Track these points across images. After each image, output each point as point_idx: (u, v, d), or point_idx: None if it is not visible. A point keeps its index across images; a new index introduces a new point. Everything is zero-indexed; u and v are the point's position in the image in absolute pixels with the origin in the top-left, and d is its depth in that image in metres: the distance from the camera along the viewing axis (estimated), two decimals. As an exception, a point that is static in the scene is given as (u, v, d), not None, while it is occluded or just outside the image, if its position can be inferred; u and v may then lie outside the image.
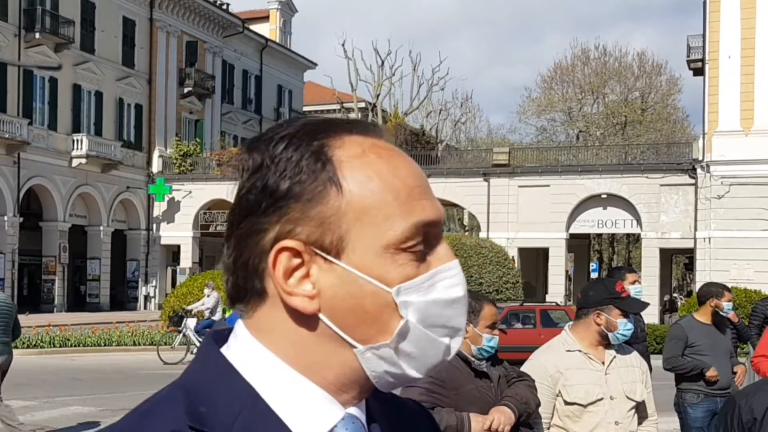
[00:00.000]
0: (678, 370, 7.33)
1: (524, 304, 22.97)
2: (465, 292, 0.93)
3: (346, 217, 0.88)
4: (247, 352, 0.93)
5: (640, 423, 4.27)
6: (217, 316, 20.82)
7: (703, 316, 7.37)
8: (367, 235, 0.88)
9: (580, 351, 4.16)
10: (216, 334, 0.98)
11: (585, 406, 4.12)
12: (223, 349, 0.94)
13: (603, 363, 4.16)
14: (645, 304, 4.46)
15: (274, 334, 0.92)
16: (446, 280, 0.91)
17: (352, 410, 0.93)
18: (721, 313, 7.39)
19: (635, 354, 4.31)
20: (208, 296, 21.18)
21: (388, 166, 0.90)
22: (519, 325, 20.74)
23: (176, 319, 21.43)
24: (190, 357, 19.91)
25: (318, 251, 0.89)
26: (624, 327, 4.07)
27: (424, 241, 0.90)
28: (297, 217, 0.88)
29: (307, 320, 0.90)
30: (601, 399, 4.10)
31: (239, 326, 0.95)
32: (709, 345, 7.26)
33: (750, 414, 3.35)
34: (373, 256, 0.88)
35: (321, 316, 0.89)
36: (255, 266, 0.91)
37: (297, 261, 0.89)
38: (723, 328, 7.49)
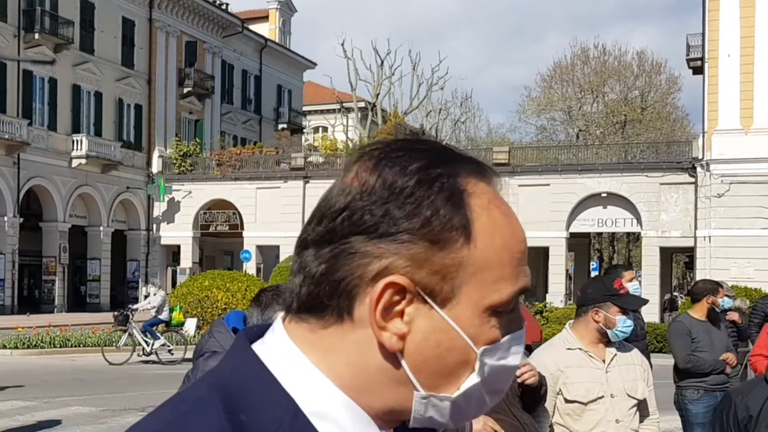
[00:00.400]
0: (698, 369, 7.33)
1: None
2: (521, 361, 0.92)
3: (465, 271, 0.85)
4: (290, 362, 0.89)
5: (641, 421, 4.26)
6: (163, 315, 20.76)
7: (698, 312, 7.40)
8: (476, 292, 0.85)
9: (580, 349, 4.16)
10: (248, 332, 0.94)
11: (585, 404, 4.12)
12: (261, 354, 0.90)
13: (604, 361, 4.16)
14: (643, 301, 4.47)
15: (334, 355, 0.88)
16: (516, 346, 0.89)
17: None
18: (716, 309, 7.43)
19: (636, 352, 4.31)
20: (155, 295, 21.15)
21: (509, 227, 0.88)
22: None
23: (121, 319, 20.67)
24: (135, 357, 19.89)
25: (426, 296, 0.85)
26: (623, 324, 4.05)
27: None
28: (418, 258, 0.84)
29: (383, 355, 0.87)
30: (602, 397, 4.10)
31: (282, 334, 0.91)
32: (708, 342, 7.29)
33: (746, 411, 3.35)
34: (473, 314, 0.86)
35: (399, 355, 0.86)
36: (349, 288, 0.86)
37: (398, 297, 0.85)
38: (718, 324, 7.54)
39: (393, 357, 0.87)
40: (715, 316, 7.47)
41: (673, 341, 7.51)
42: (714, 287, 7.47)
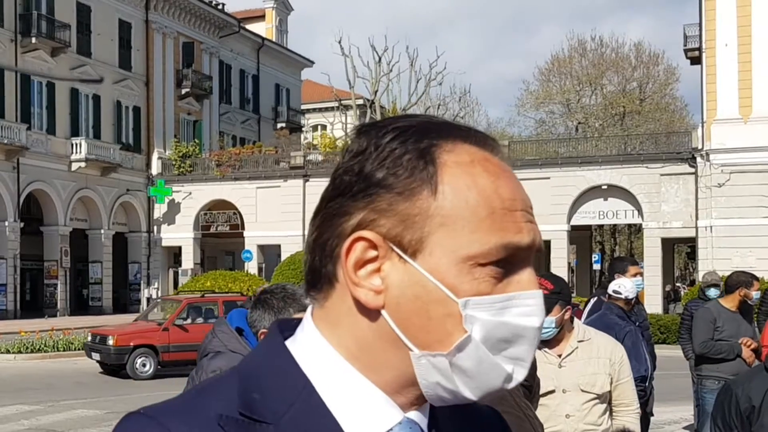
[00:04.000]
0: (713, 354, 7.37)
1: (205, 295, 20.66)
2: (540, 325, 0.89)
3: (432, 220, 0.86)
4: (309, 344, 0.91)
5: (618, 414, 4.23)
6: None
7: (729, 303, 7.47)
8: (448, 242, 0.86)
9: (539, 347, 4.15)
10: (283, 323, 0.97)
11: (549, 393, 4.12)
12: (289, 341, 0.93)
13: (560, 356, 4.14)
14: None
15: (339, 327, 0.90)
16: (523, 307, 0.87)
17: (412, 414, 0.91)
18: (749, 302, 7.47)
19: (608, 343, 4.24)
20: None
21: (492, 182, 0.88)
22: (201, 320, 18.70)
23: None
24: None
25: (395, 247, 0.87)
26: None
27: (510, 263, 0.88)
28: (383, 209, 0.87)
29: (371, 315, 0.88)
30: (552, 392, 4.07)
31: (307, 316, 0.94)
32: (733, 332, 7.37)
33: (748, 402, 3.34)
34: (450, 264, 0.85)
35: (383, 312, 0.87)
36: (332, 249, 0.89)
37: (372, 253, 0.87)
38: (748, 317, 7.59)
39: (379, 316, 0.88)
40: (746, 309, 7.51)
41: (695, 326, 7.59)
42: (749, 280, 7.51)
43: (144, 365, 17.95)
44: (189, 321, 18.70)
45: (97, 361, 18.39)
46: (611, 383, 4.16)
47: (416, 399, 0.90)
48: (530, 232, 0.89)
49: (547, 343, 4.16)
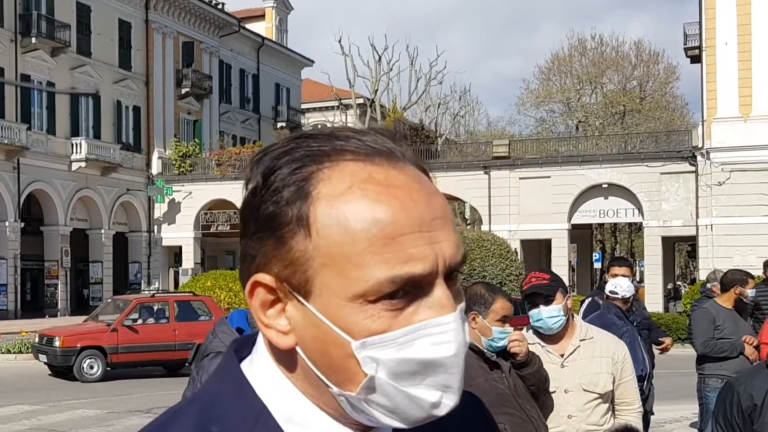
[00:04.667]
0: (715, 353, 7.39)
1: (156, 295, 20.26)
2: (458, 352, 0.83)
3: (313, 261, 0.82)
4: (262, 367, 0.90)
5: (620, 413, 4.19)
6: None
7: (726, 301, 7.51)
8: (334, 282, 0.81)
9: (539, 344, 4.11)
10: (240, 342, 0.96)
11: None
12: (245, 363, 0.92)
13: (562, 356, 4.12)
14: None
15: (280, 357, 0.89)
16: (432, 336, 0.81)
17: None
18: (744, 300, 7.48)
19: (610, 342, 4.20)
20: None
21: (369, 207, 0.81)
22: (152, 321, 18.46)
23: None
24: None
25: (289, 289, 0.84)
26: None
27: (409, 292, 0.82)
28: (271, 252, 0.84)
29: (290, 353, 0.87)
30: (554, 392, 4.03)
31: (260, 338, 0.92)
32: (733, 329, 7.39)
33: (750, 400, 3.33)
34: (340, 305, 0.81)
35: (299, 350, 0.86)
36: (248, 290, 0.88)
37: (272, 296, 0.86)
38: (745, 315, 7.61)
39: (296, 355, 0.86)
40: (742, 307, 7.53)
41: (695, 327, 7.62)
42: (743, 278, 7.54)
43: (91, 367, 17.39)
44: (140, 321, 18.21)
45: (45, 363, 17.92)
46: (614, 382, 4.12)
47: (367, 427, 0.89)
48: (424, 257, 0.81)
49: (550, 341, 4.14)
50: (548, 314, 4.07)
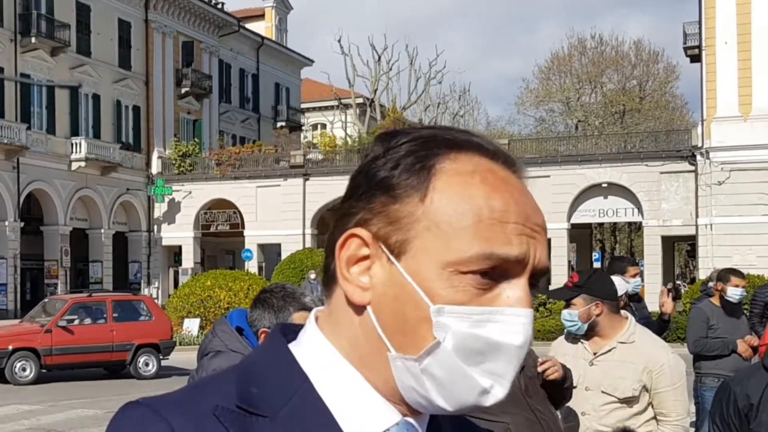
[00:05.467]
0: (706, 352, 7.39)
1: (93, 294, 19.64)
2: (523, 344, 0.87)
3: (418, 224, 0.87)
4: (310, 344, 0.94)
5: (659, 423, 4.11)
6: None
7: (717, 300, 7.51)
8: (432, 246, 0.86)
9: (581, 341, 4.17)
10: (286, 327, 0.99)
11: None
12: (292, 344, 0.95)
13: (594, 354, 4.13)
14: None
15: (338, 325, 0.92)
16: (506, 324, 0.86)
17: (411, 420, 0.91)
18: (725, 297, 7.48)
19: (651, 350, 4.07)
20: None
21: (486, 193, 0.88)
22: (89, 321, 17.95)
23: None
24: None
25: (383, 247, 0.88)
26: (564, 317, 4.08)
27: (498, 276, 0.87)
28: (377, 209, 0.89)
29: (359, 312, 0.90)
30: (576, 388, 4.07)
31: (311, 319, 0.96)
32: (728, 329, 7.40)
33: (746, 400, 3.33)
34: (431, 269, 0.86)
35: (369, 310, 0.89)
36: (335, 247, 0.92)
37: (365, 251, 0.89)
38: (735, 313, 7.59)
39: (364, 313, 0.90)
40: (729, 305, 7.52)
41: (688, 326, 7.66)
42: (725, 275, 7.54)
43: (24, 369, 16.90)
44: (76, 322, 17.74)
45: None
46: (644, 391, 4.05)
47: (411, 407, 0.91)
48: (522, 245, 0.87)
49: (589, 337, 4.15)
50: (565, 318, 4.15)
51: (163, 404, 0.89)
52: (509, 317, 0.86)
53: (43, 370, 17.22)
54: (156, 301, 44.01)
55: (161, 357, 18.20)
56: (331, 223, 0.95)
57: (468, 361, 0.86)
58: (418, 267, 0.86)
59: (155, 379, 17.53)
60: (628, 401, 4.06)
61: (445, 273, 0.86)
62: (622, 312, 4.33)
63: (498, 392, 0.87)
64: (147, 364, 17.99)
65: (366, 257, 0.89)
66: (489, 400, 0.87)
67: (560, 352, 4.23)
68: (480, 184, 0.88)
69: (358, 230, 0.89)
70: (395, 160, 0.90)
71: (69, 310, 17.79)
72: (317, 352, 0.92)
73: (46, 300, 21.41)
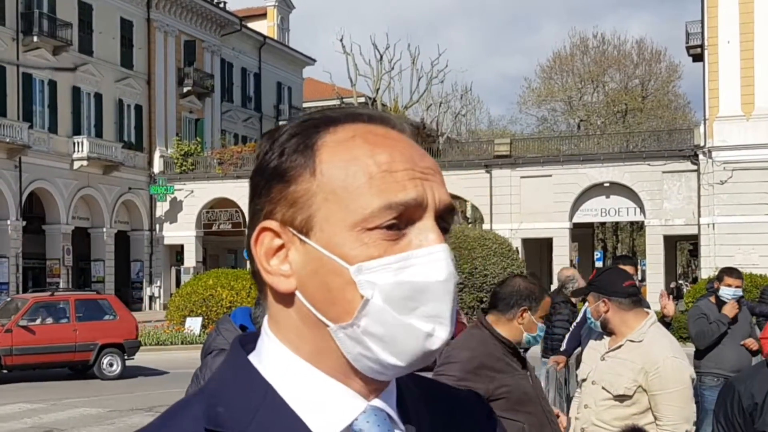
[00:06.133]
0: (710, 338, 7.43)
1: (55, 294, 19.20)
2: (447, 278, 0.89)
3: (316, 198, 0.90)
4: (267, 350, 0.94)
5: (657, 426, 4.09)
6: None
7: (715, 298, 7.55)
8: (335, 214, 0.89)
9: (605, 336, 4.25)
10: (245, 338, 0.99)
11: (580, 383, 4.38)
12: (252, 355, 0.96)
13: (608, 350, 4.19)
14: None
15: (280, 323, 0.94)
16: (425, 264, 0.88)
17: (376, 402, 0.92)
18: (719, 296, 7.51)
19: (653, 352, 4.04)
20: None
21: (368, 150, 0.90)
22: (51, 321, 17.59)
23: None
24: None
25: (292, 231, 0.91)
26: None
27: (405, 221, 0.89)
28: (277, 198, 0.92)
29: (291, 301, 0.92)
30: (585, 380, 4.22)
31: (264, 324, 0.97)
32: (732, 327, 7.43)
33: (750, 399, 3.33)
34: (339, 235, 0.88)
35: (297, 294, 0.91)
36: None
37: (278, 242, 0.92)
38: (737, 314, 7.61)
39: (295, 300, 0.92)
40: (718, 302, 7.54)
41: (689, 325, 7.72)
42: (720, 275, 7.57)
43: None
44: (38, 321, 17.37)
45: None
46: (642, 391, 4.03)
47: (370, 382, 0.92)
48: (417, 188, 0.90)
49: (608, 333, 4.21)
50: (586, 314, 4.29)
51: None
52: (425, 257, 0.88)
53: (4, 371, 16.81)
54: (158, 299, 44.29)
55: (126, 357, 17.88)
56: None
57: (401, 310, 0.87)
58: (328, 237, 0.89)
59: (120, 379, 17.25)
60: (621, 399, 4.06)
61: (354, 234, 0.88)
62: (647, 311, 4.33)
63: (441, 333, 0.88)
64: (111, 365, 17.63)
65: (281, 247, 0.91)
66: (435, 343, 0.89)
67: (588, 345, 4.38)
68: (362, 144, 0.91)
69: (266, 222, 0.92)
70: (280, 148, 0.93)
71: (30, 309, 17.36)
72: (274, 358, 0.93)
73: (7, 299, 20.99)
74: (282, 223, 0.91)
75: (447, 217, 0.92)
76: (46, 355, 17.11)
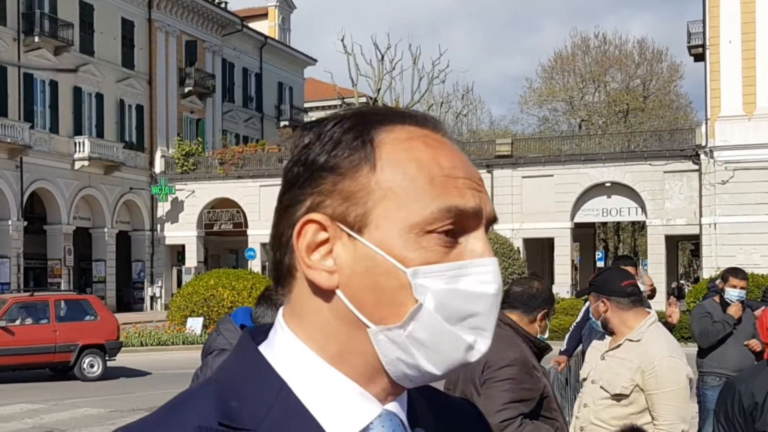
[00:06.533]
0: (714, 338, 7.43)
1: (35, 294, 18.82)
2: (497, 292, 0.89)
3: (374, 194, 0.88)
4: (281, 345, 0.92)
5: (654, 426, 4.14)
6: None
7: (719, 298, 7.56)
8: (392, 213, 0.87)
9: (607, 334, 4.29)
10: (254, 330, 0.97)
11: (582, 381, 4.39)
12: (263, 345, 0.93)
13: (609, 349, 4.22)
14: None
15: (304, 318, 0.91)
16: (478, 275, 0.88)
17: (391, 406, 0.91)
18: (724, 297, 7.51)
19: (650, 351, 4.03)
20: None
21: (430, 154, 0.90)
22: (30, 321, 17.41)
23: None
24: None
25: (342, 226, 0.88)
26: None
27: (459, 230, 0.88)
28: (328, 190, 0.89)
29: (328, 297, 0.89)
30: (585, 379, 4.26)
31: (279, 317, 0.94)
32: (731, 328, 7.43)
33: (751, 399, 3.33)
34: (396, 235, 0.87)
35: (338, 292, 0.88)
36: (287, 240, 0.91)
37: (323, 236, 0.89)
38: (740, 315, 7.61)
39: (335, 297, 0.89)
40: (723, 302, 7.54)
41: (691, 324, 7.74)
42: (725, 275, 7.57)
43: None
44: (17, 322, 17.14)
45: None
46: (637, 390, 4.03)
47: (390, 387, 0.90)
48: (474, 197, 0.90)
49: (610, 333, 4.22)
50: (590, 314, 4.31)
51: (141, 430, 0.88)
52: (479, 268, 0.88)
53: None
54: (159, 300, 44.30)
55: (107, 358, 17.71)
56: (273, 220, 0.94)
57: (450, 319, 0.86)
58: (383, 236, 0.87)
59: (101, 380, 17.10)
60: (618, 398, 4.06)
61: (411, 236, 0.86)
62: (648, 310, 4.33)
63: (481, 346, 0.88)
64: (92, 366, 17.45)
65: (325, 241, 0.89)
66: (474, 356, 0.88)
67: (591, 345, 4.44)
68: (423, 147, 0.90)
69: (313, 215, 0.89)
70: (333, 142, 0.90)
71: (9, 310, 17.10)
72: (289, 353, 0.91)
73: None
74: (331, 217, 0.88)
75: (489, 227, 0.93)
76: (26, 356, 16.87)
